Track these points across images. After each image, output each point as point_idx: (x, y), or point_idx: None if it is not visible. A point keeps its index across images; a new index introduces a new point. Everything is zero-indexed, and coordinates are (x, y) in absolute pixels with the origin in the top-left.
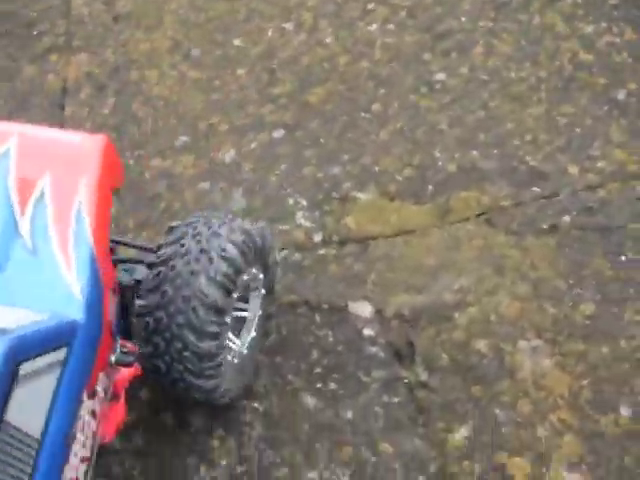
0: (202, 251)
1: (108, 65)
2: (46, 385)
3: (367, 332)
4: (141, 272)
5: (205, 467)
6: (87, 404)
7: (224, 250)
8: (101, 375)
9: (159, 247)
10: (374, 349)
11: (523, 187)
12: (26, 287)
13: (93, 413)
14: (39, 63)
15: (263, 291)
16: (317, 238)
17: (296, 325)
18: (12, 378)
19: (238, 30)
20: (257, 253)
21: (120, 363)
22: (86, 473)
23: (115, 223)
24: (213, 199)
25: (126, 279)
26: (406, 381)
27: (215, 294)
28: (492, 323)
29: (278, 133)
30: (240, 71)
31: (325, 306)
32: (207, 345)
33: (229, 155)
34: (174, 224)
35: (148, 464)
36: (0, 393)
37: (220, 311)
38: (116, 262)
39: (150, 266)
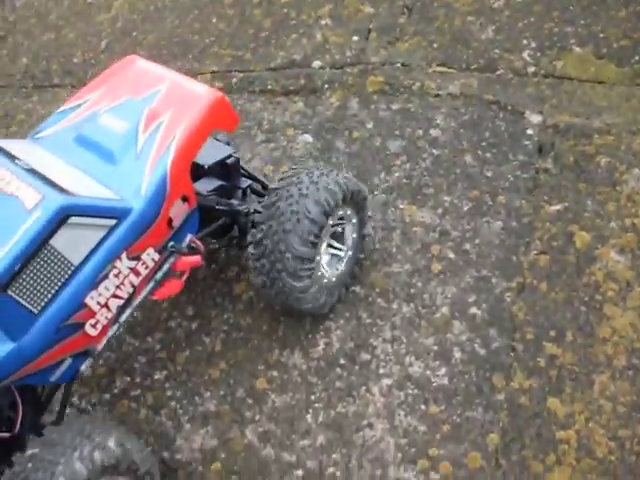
0: (312, 182)
1: None
2: (92, 236)
3: (529, 131)
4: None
5: None
6: (126, 262)
7: (329, 184)
8: (150, 249)
9: (280, 179)
10: (527, 142)
11: None
12: (120, 178)
13: (135, 271)
14: None
15: (354, 235)
16: (530, 69)
17: (485, 113)
18: (60, 223)
19: None
20: (351, 197)
21: (177, 250)
22: (120, 307)
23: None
24: (470, 29)
25: (242, 207)
26: (536, 166)
27: (316, 212)
28: (620, 150)
29: None
30: None
31: (509, 108)
32: (305, 250)
33: (498, 3)
34: (294, 167)
35: None
36: (49, 231)
37: (317, 224)
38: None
39: (269, 191)
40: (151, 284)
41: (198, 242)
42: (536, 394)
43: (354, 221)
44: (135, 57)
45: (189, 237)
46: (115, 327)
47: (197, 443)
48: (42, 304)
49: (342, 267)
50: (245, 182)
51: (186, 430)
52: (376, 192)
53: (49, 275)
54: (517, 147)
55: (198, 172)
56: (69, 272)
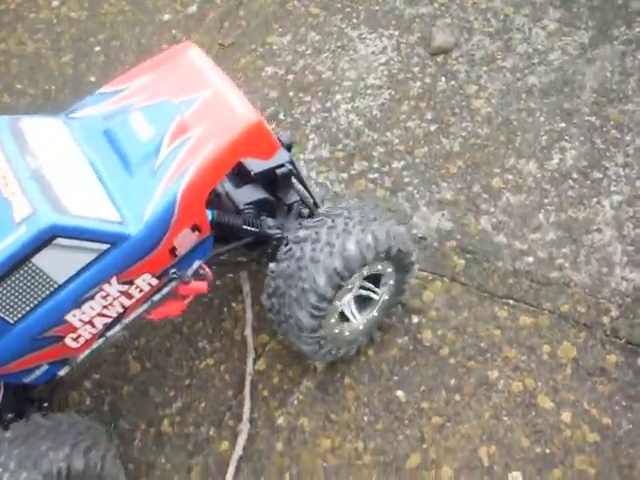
0: (361, 222)
1: None
2: (80, 258)
3: None
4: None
5: None
6: (117, 286)
7: (376, 231)
8: (146, 275)
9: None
10: None
11: None
12: (129, 193)
13: (127, 294)
14: None
15: (392, 282)
16: None
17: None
18: (45, 243)
19: None
20: (397, 254)
21: (179, 277)
22: (106, 325)
23: None
24: None
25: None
26: None
27: (354, 253)
28: None
29: None
30: None
31: None
32: (325, 287)
33: None
34: (322, 210)
35: None
36: (31, 249)
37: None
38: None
39: (316, 214)
40: (146, 304)
41: (206, 269)
42: None
43: (391, 282)
44: (190, 45)
45: (197, 264)
46: (101, 340)
47: (433, 223)
48: (19, 316)
49: (353, 327)
50: (293, 197)
51: (423, 212)
52: (615, 42)
53: (28, 290)
54: None
55: (244, 178)
56: (51, 289)
